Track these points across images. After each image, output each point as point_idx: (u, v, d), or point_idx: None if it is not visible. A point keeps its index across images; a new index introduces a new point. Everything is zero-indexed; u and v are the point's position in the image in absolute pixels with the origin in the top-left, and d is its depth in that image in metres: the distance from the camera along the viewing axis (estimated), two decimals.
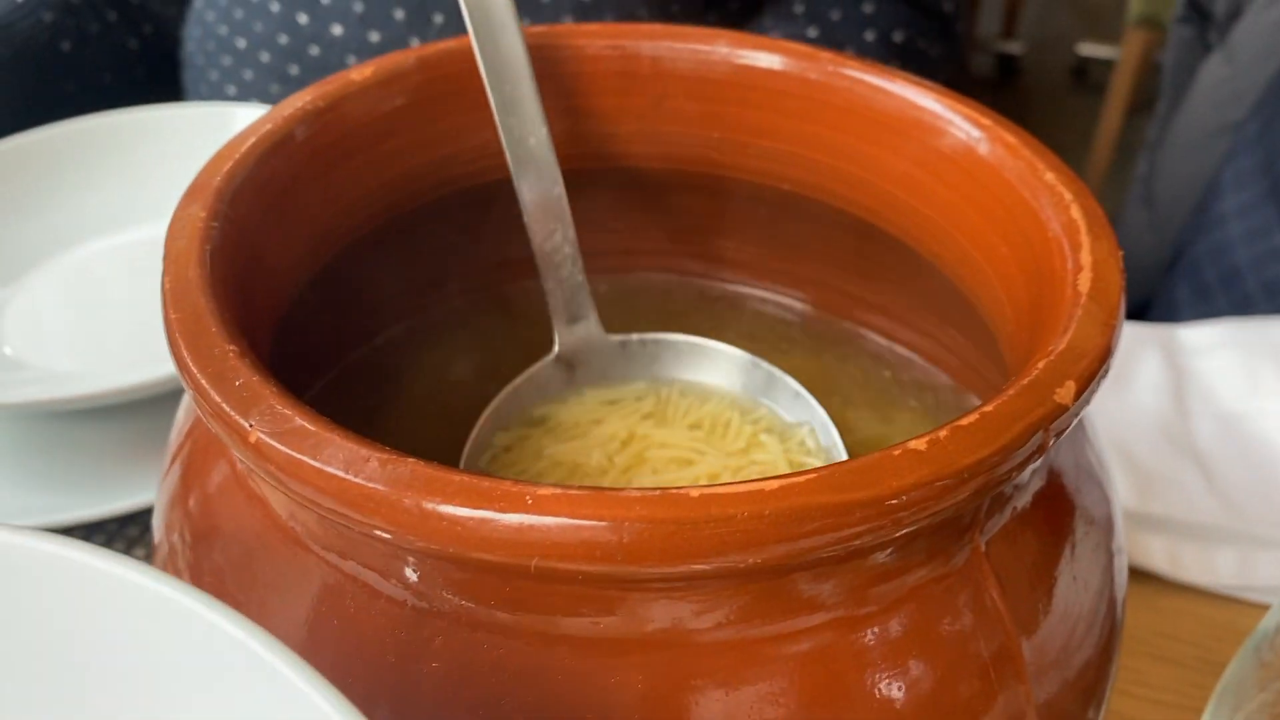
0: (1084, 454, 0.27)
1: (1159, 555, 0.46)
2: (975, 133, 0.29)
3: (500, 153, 0.31)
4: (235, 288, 0.25)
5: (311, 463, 0.20)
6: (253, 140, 0.28)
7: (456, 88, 0.32)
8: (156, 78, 0.92)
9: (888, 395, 0.36)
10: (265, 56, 0.77)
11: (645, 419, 0.34)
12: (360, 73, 0.31)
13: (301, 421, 0.20)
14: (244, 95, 0.79)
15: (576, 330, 0.35)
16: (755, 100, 0.33)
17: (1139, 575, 0.47)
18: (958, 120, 0.30)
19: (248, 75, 0.78)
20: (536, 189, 0.32)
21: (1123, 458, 0.49)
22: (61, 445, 0.51)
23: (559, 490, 0.19)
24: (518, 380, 0.34)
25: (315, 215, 0.30)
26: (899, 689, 0.22)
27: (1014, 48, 2.30)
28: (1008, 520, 0.23)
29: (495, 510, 0.19)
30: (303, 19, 0.75)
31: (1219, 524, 0.47)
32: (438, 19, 0.73)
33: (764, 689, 0.21)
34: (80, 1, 0.85)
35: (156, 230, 0.62)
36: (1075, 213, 0.26)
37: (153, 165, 0.64)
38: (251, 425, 0.21)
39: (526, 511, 0.19)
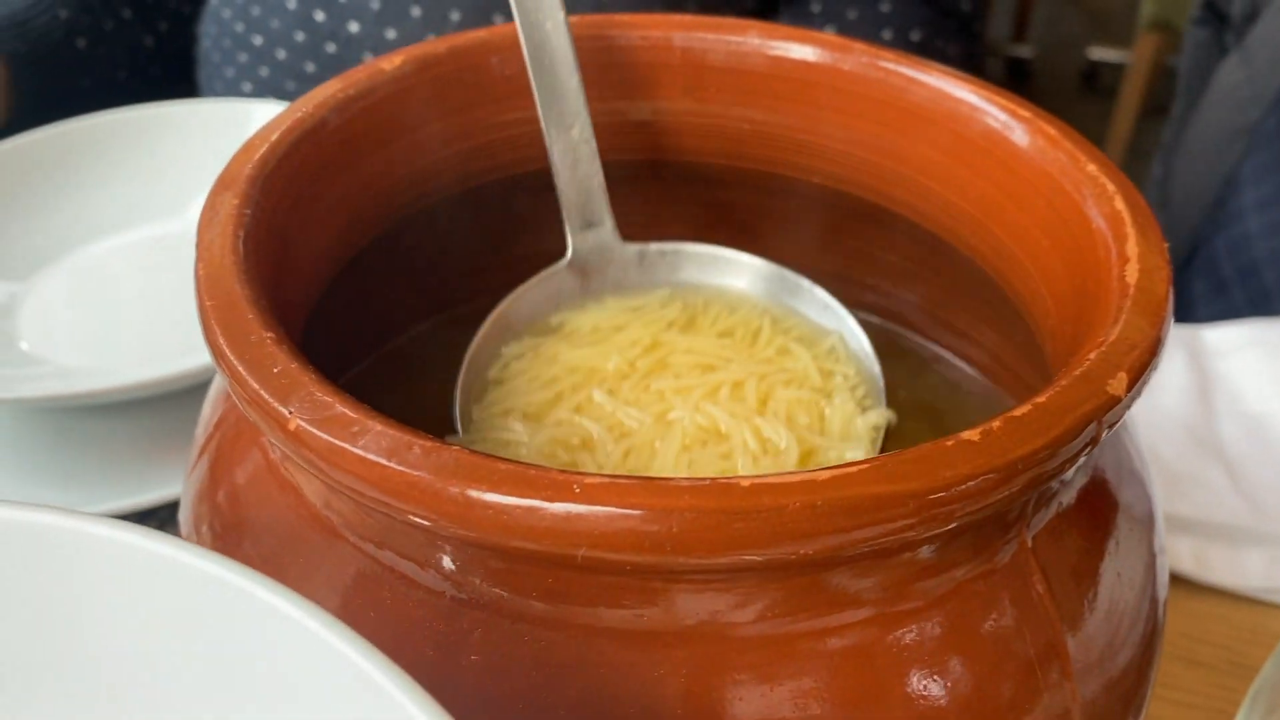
0: (1125, 450, 0.27)
1: (1186, 557, 0.46)
2: (1013, 124, 0.29)
3: (532, 144, 0.31)
4: (268, 275, 0.25)
5: (353, 450, 0.19)
6: (285, 127, 0.28)
7: (487, 78, 0.32)
8: (171, 74, 0.92)
9: (919, 389, 0.35)
10: (281, 54, 0.77)
11: (670, 326, 0.34)
12: (390, 61, 0.31)
13: (342, 408, 0.20)
14: (260, 92, 0.79)
15: (590, 237, 0.34)
16: (787, 92, 0.32)
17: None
18: (995, 111, 0.29)
19: (264, 72, 0.78)
20: (552, 78, 0.31)
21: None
22: (76, 441, 0.51)
23: (607, 479, 0.18)
24: (525, 285, 0.33)
25: (346, 204, 0.29)
26: (943, 686, 0.22)
27: (1024, 51, 2.29)
28: (1053, 515, 0.23)
29: (542, 499, 0.18)
30: (320, 16, 0.75)
31: (1246, 525, 0.47)
32: (454, 16, 0.73)
33: (806, 684, 0.21)
34: None
35: (172, 226, 0.62)
36: (1119, 204, 0.26)
37: (169, 161, 0.63)
38: (291, 412, 0.20)
39: (574, 500, 0.18)
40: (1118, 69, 2.08)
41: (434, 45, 0.31)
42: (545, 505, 0.18)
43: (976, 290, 0.32)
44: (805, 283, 0.34)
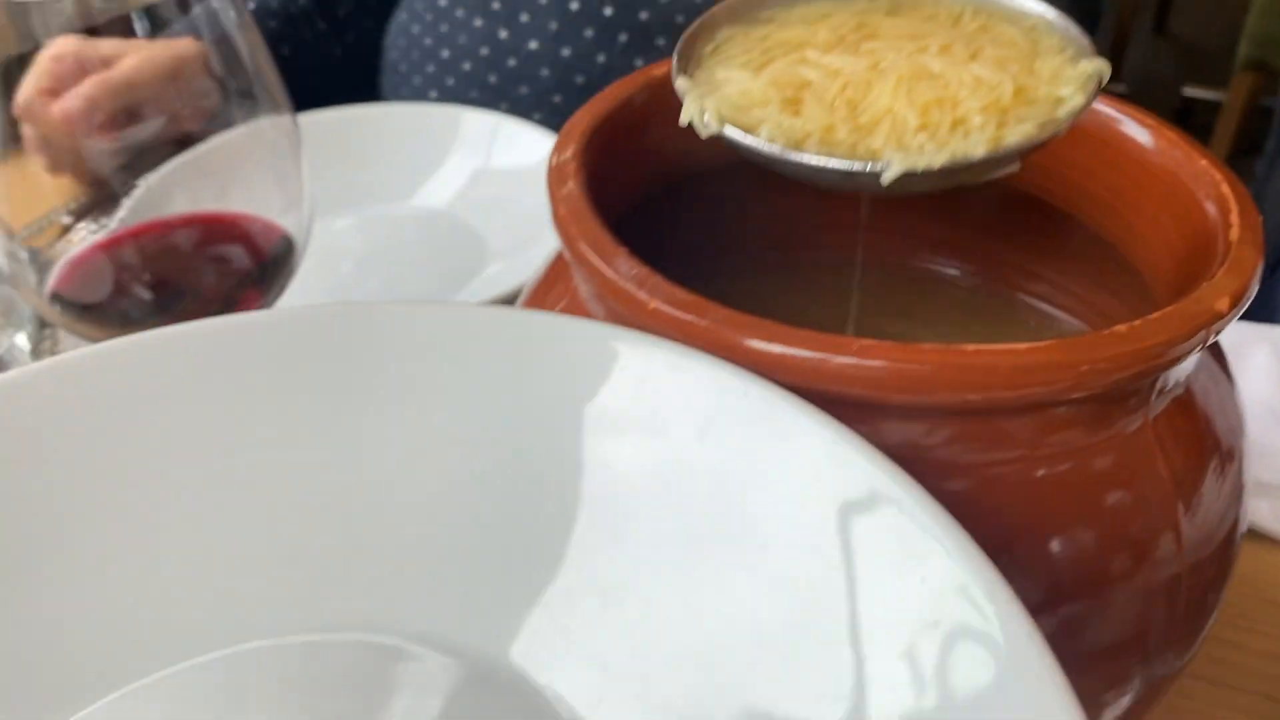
0: (1221, 377, 0.36)
1: (1266, 514, 0.54)
2: (1142, 130, 0.38)
3: None
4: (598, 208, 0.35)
5: (700, 322, 0.29)
6: (607, 100, 0.38)
7: None
8: (353, 82, 1.04)
9: None
10: (466, 66, 0.88)
11: (875, 12, 0.38)
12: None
13: (685, 295, 0.30)
14: (444, 99, 0.90)
15: None
16: None
17: (1248, 532, 0.54)
18: (1128, 120, 0.38)
19: (449, 82, 0.90)
20: None
21: None
22: None
23: (874, 342, 0.28)
24: None
25: (643, 159, 0.39)
26: (1093, 514, 0.31)
27: (1118, 88, 2.35)
28: (1168, 403, 0.32)
29: (829, 352, 0.28)
30: (503, 34, 0.86)
31: None
32: (622, 37, 0.83)
33: (971, 492, 0.30)
34: (298, 12, 0.97)
35: (396, 209, 0.73)
36: (1225, 189, 0.34)
37: (390, 152, 0.74)
38: (648, 297, 0.30)
39: (854, 355, 0.28)
40: (1212, 107, 2.13)
41: None
42: (831, 358, 0.28)
43: (1102, 261, 0.41)
44: None
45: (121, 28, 0.46)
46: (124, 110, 0.58)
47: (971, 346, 0.28)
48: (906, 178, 0.31)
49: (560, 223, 0.33)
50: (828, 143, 0.33)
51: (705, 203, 0.45)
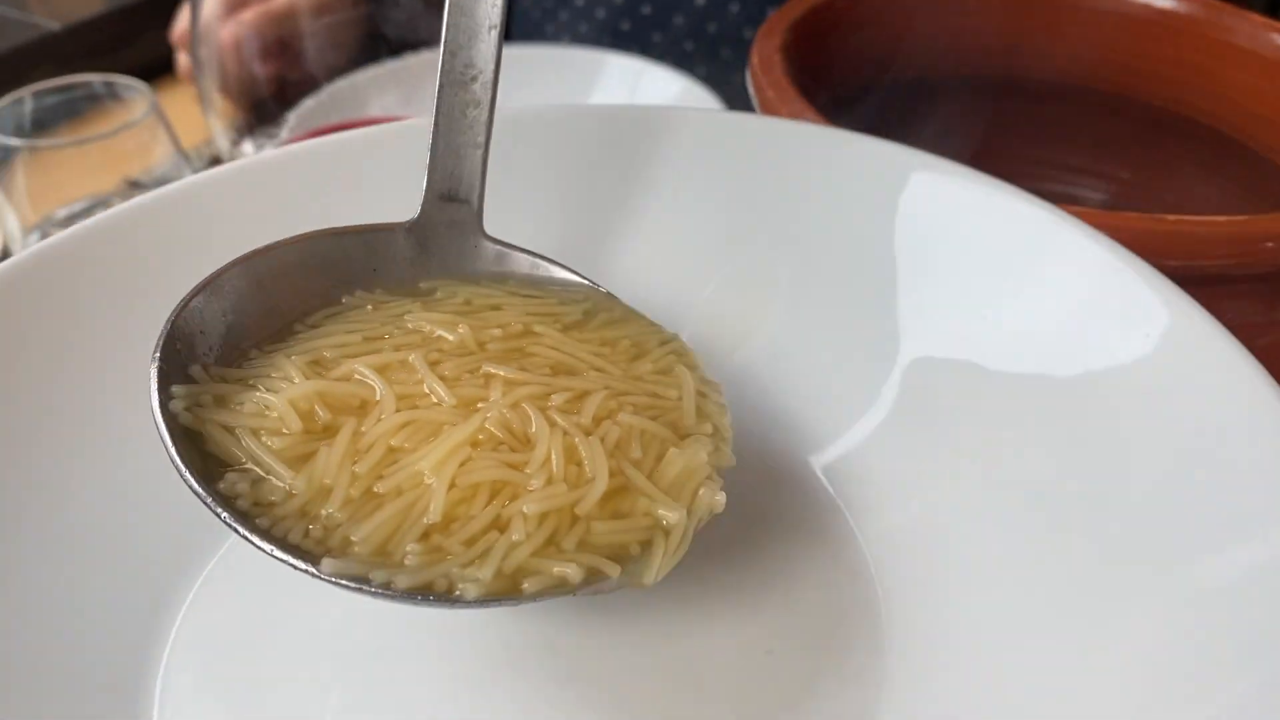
0: None
1: None
2: None
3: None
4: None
5: None
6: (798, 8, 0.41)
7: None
8: None
9: None
10: (601, 13, 0.91)
11: (556, 320, 0.29)
12: None
13: None
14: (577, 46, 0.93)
15: (449, 210, 0.29)
16: (1134, 27, 0.44)
17: None
18: None
19: (583, 29, 0.92)
20: (470, 20, 0.28)
21: None
22: None
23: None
24: (343, 228, 0.28)
25: (833, 61, 0.42)
26: None
27: None
28: None
29: None
30: None
31: None
32: None
33: None
34: None
35: None
36: None
37: (534, 94, 0.78)
38: None
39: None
40: None
41: None
42: None
43: (1264, 182, 0.42)
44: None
45: None
46: (284, 38, 0.62)
47: (1173, 218, 0.30)
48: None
49: (768, 107, 0.36)
50: (308, 516, 0.23)
51: (893, 109, 0.47)
